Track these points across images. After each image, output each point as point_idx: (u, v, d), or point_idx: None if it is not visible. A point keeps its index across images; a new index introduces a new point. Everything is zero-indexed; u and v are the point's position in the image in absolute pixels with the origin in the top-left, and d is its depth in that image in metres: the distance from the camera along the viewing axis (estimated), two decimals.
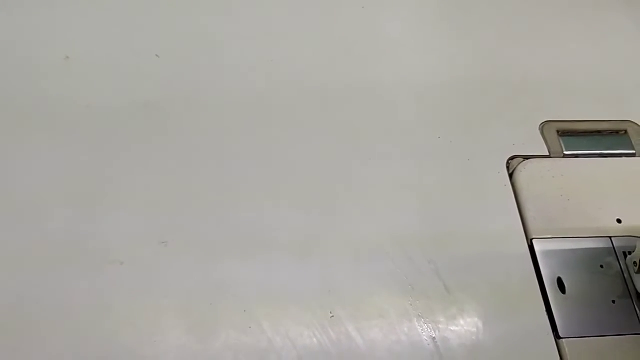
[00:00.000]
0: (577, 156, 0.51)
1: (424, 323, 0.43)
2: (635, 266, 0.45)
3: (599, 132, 0.53)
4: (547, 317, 0.44)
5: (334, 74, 0.54)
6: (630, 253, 0.46)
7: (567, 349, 0.42)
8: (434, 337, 0.42)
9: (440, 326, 0.43)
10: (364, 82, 0.53)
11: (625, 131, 0.53)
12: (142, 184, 0.47)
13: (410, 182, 0.48)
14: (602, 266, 0.46)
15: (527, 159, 0.50)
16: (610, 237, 0.47)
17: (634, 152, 0.52)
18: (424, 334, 0.43)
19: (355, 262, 0.44)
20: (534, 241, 0.47)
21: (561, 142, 0.52)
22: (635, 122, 0.53)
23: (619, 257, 0.46)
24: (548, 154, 0.51)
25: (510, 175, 0.50)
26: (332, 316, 0.42)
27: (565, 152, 0.51)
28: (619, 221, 0.48)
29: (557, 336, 0.43)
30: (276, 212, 0.46)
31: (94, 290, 0.42)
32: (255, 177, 0.47)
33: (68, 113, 0.50)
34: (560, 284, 0.45)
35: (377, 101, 0.52)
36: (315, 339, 0.42)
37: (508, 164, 0.50)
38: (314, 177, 0.48)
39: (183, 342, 0.40)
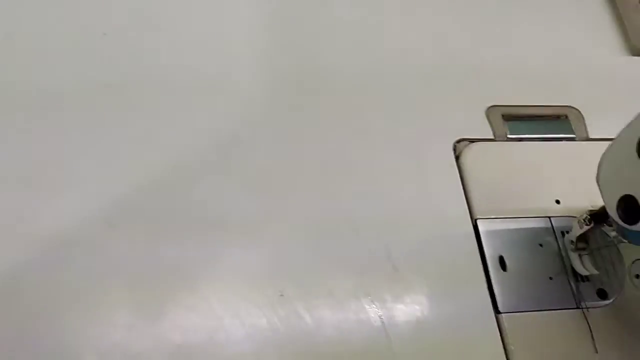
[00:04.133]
0: (520, 140, 0.53)
1: (372, 301, 0.44)
2: (572, 244, 0.47)
3: (541, 117, 0.55)
4: (488, 293, 0.46)
5: (283, 55, 0.53)
6: (567, 232, 0.48)
7: (505, 323, 0.44)
8: (381, 315, 0.44)
9: (387, 304, 0.44)
10: (313, 64, 0.53)
11: (566, 116, 0.55)
12: (89, 164, 0.46)
13: (359, 164, 0.49)
14: (541, 245, 0.49)
15: (473, 142, 0.52)
16: (549, 217, 0.49)
17: (574, 136, 0.54)
18: (371, 312, 0.44)
19: (306, 243, 0.45)
20: (478, 221, 0.48)
21: (506, 126, 0.54)
22: (576, 107, 0.55)
23: (557, 236, 0.49)
24: (493, 137, 0.53)
25: (457, 158, 0.51)
26: (282, 295, 0.43)
27: (509, 136, 0.53)
28: (557, 202, 0.51)
29: (497, 311, 0.45)
30: (227, 192, 0.46)
31: (41, 269, 0.41)
32: (207, 157, 0.47)
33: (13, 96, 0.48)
34: (502, 262, 0.47)
35: (325, 83, 0.52)
36: (264, 318, 0.42)
37: (454, 146, 0.51)
38: (266, 158, 0.48)
39: (130, 321, 0.40)
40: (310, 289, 0.43)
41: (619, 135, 0.39)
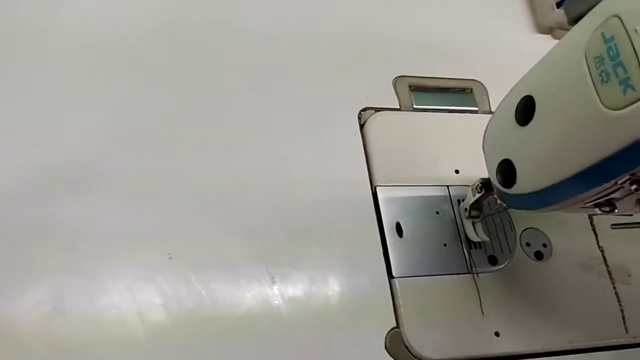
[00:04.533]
0: (425, 110, 0.54)
1: (265, 265, 0.44)
2: (466, 212, 0.49)
3: (447, 89, 0.56)
4: (383, 259, 0.47)
5: (184, 16, 0.52)
6: (464, 200, 0.50)
7: (398, 287, 0.45)
8: (274, 280, 0.44)
9: (280, 269, 0.44)
10: (216, 27, 0.51)
11: (471, 89, 0.56)
12: None
13: (261, 129, 0.49)
14: (437, 212, 0.50)
15: (379, 111, 0.53)
16: (448, 186, 0.51)
17: (477, 109, 0.56)
18: (264, 277, 0.43)
19: (196, 205, 0.44)
20: (377, 188, 0.49)
21: (412, 96, 0.54)
22: (481, 82, 0.57)
23: (453, 204, 0.50)
24: (399, 107, 0.54)
25: (362, 126, 0.52)
26: (170, 258, 0.42)
27: (415, 106, 0.54)
28: (457, 172, 0.52)
29: (390, 276, 0.46)
30: (116, 152, 0.44)
31: None
32: (96, 116, 0.45)
33: None
34: (398, 228, 0.48)
35: (229, 45, 0.51)
36: (152, 282, 0.41)
37: (360, 115, 0.52)
38: (158, 118, 0.47)
39: (5, 283, 0.39)
40: (200, 252, 0.42)
41: (501, 103, 0.40)
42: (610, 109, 0.30)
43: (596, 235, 0.52)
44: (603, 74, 0.31)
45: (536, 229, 0.51)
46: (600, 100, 0.31)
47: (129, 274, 0.41)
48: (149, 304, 0.40)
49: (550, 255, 0.50)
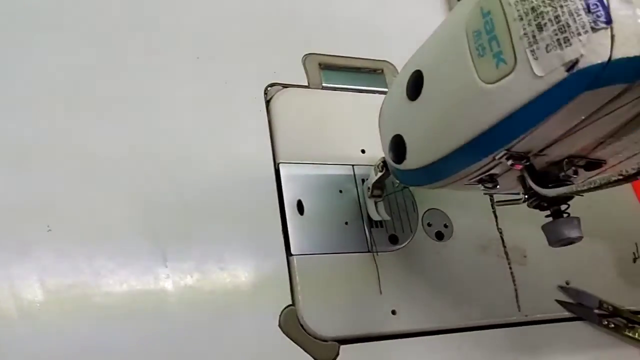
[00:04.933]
0: (334, 89, 0.54)
1: (156, 242, 0.42)
2: (369, 191, 0.49)
3: (357, 69, 0.56)
4: (282, 236, 0.46)
5: None
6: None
7: (295, 265, 0.45)
8: (165, 256, 0.42)
9: (174, 245, 0.42)
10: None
11: (382, 70, 0.57)
12: None
13: (162, 99, 0.47)
14: (341, 191, 0.49)
15: (286, 87, 0.52)
16: (353, 165, 0.51)
17: (387, 90, 0.56)
18: (154, 252, 0.41)
19: (85, 175, 0.42)
20: (280, 165, 0.48)
21: (321, 74, 0.54)
22: (392, 63, 0.57)
23: (357, 183, 0.50)
24: (307, 84, 0.53)
25: (268, 102, 0.51)
26: (50, 230, 0.40)
27: (324, 85, 0.54)
28: (363, 151, 0.52)
29: (289, 253, 0.45)
30: None
31: None
32: None
33: None
34: (300, 206, 0.48)
35: (136, 12, 0.49)
36: (31, 253, 0.39)
37: (266, 90, 0.51)
38: (50, 79, 0.44)
39: None
40: (84, 225, 0.40)
41: (394, 79, 0.40)
42: (486, 83, 0.31)
43: (496, 217, 0.54)
44: (480, 48, 0.31)
45: (438, 209, 0.52)
46: (477, 74, 0.31)
47: (2, 247, 0.38)
48: (23, 278, 0.38)
49: (451, 235, 0.51)
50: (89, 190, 0.41)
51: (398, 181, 0.40)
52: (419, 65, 0.36)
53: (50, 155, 0.41)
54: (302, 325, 0.43)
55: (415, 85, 0.36)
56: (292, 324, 0.43)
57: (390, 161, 0.39)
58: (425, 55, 0.36)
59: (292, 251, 0.45)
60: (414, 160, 0.37)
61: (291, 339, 0.42)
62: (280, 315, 0.43)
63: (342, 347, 0.43)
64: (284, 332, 0.42)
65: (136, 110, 0.45)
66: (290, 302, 0.43)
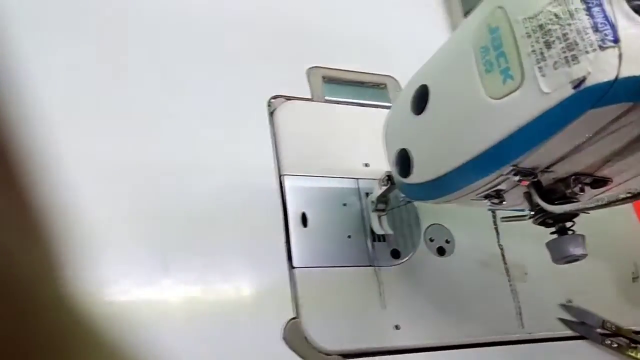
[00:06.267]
0: (337, 103, 0.54)
1: (160, 251, 0.42)
2: (373, 205, 0.49)
3: (361, 83, 0.56)
4: (285, 248, 0.46)
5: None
6: (371, 193, 0.50)
7: (298, 277, 0.45)
8: (168, 265, 0.42)
9: (177, 255, 0.42)
10: (133, 6, 0.50)
11: (385, 85, 0.57)
12: None
13: (169, 112, 0.47)
14: (345, 204, 0.50)
15: (289, 99, 0.52)
16: (357, 179, 0.51)
17: (390, 105, 0.56)
18: (157, 262, 0.41)
19: (94, 184, 0.42)
20: (284, 177, 0.48)
21: (324, 88, 0.54)
22: (394, 77, 0.57)
23: (361, 197, 0.50)
24: (311, 97, 0.53)
25: (271, 114, 0.51)
26: None
27: (327, 98, 0.54)
28: (366, 165, 0.52)
29: (291, 266, 0.45)
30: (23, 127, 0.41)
31: None
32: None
33: None
34: (304, 218, 0.48)
35: (142, 28, 0.49)
36: None
37: (269, 102, 0.51)
38: (65, 94, 0.44)
39: None
40: (88, 231, 0.40)
41: (399, 93, 0.40)
42: (493, 98, 0.31)
43: (498, 233, 0.54)
44: (487, 64, 0.31)
45: (441, 225, 0.52)
46: (484, 90, 0.32)
47: None
48: None
49: (453, 251, 0.52)
50: (96, 199, 0.41)
51: (403, 195, 0.41)
52: (424, 80, 0.37)
53: (65, 165, 0.41)
54: (305, 338, 0.43)
55: (421, 99, 0.37)
56: (296, 337, 0.42)
57: (395, 175, 0.40)
58: (431, 70, 0.37)
59: (295, 263, 0.45)
60: (420, 174, 0.37)
61: (295, 351, 0.42)
62: (284, 328, 0.42)
63: None
64: (288, 345, 0.42)
65: (142, 122, 0.46)
66: (294, 315, 0.43)
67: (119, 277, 0.40)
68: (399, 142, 0.39)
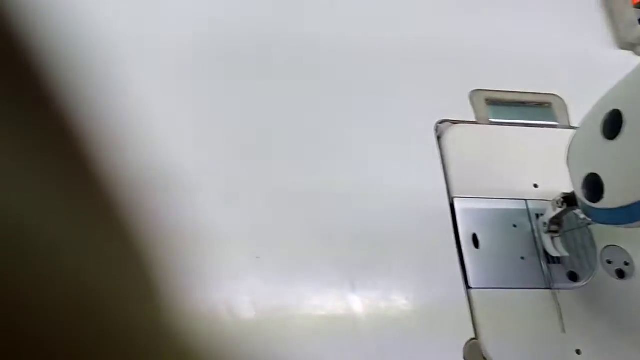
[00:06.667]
0: (502, 124, 0.54)
1: (345, 271, 0.45)
2: (545, 227, 0.49)
3: (524, 104, 0.56)
4: (460, 269, 0.47)
5: (274, 27, 0.54)
6: (542, 215, 0.50)
7: (475, 298, 0.46)
8: (354, 284, 0.45)
9: (360, 275, 0.45)
10: (298, 37, 0.54)
11: (550, 104, 0.56)
12: None
13: (341, 141, 0.50)
14: (515, 225, 0.50)
15: (455, 123, 0.53)
16: (526, 200, 0.51)
17: (556, 124, 0.55)
18: (344, 281, 0.45)
19: (284, 211, 0.46)
20: (454, 200, 0.50)
21: (488, 110, 0.55)
22: (560, 96, 0.56)
23: (531, 218, 0.50)
24: (475, 120, 0.54)
25: (438, 138, 0.53)
26: (258, 258, 0.45)
27: (492, 120, 0.54)
28: (535, 186, 0.52)
29: (467, 286, 0.47)
30: (212, 155, 0.47)
31: None
32: (185, 115, 0.48)
33: None
34: (475, 239, 0.49)
35: (317, 60, 0.53)
36: (241, 281, 0.44)
37: (437, 127, 0.53)
38: (252, 125, 0.49)
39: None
40: (285, 255, 0.45)
41: (585, 117, 0.40)
42: None
43: None
44: None
45: (618, 246, 0.50)
46: None
47: (221, 272, 0.44)
48: (239, 300, 0.43)
49: (633, 274, 0.49)
50: (289, 225, 0.46)
51: (589, 219, 0.40)
52: (617, 105, 0.36)
53: (258, 193, 0.46)
54: (485, 359, 0.44)
55: (614, 124, 0.36)
56: (476, 358, 0.44)
57: (582, 199, 0.39)
58: (625, 95, 0.36)
59: (471, 284, 0.46)
60: (613, 199, 0.37)
61: None
62: (464, 348, 0.44)
63: None
64: None
65: (321, 151, 0.50)
66: (473, 336, 0.44)
67: (311, 292, 0.45)
68: (587, 166, 0.38)
